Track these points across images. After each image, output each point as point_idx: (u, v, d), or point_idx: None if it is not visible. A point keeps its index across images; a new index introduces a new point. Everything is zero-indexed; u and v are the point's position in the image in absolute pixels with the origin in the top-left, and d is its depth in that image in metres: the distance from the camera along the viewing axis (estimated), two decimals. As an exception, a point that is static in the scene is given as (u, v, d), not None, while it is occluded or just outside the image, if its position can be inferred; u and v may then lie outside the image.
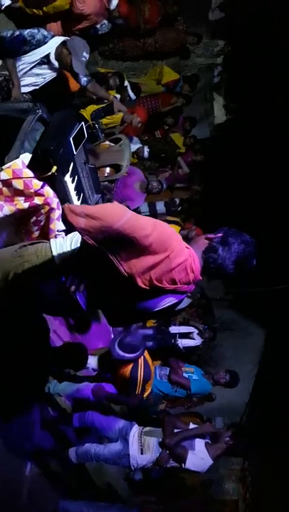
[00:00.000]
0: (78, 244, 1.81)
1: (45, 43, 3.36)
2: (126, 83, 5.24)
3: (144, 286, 1.63)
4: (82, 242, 1.67)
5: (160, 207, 5.50)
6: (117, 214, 1.53)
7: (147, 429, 3.55)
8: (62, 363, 3.25)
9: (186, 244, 1.70)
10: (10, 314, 2.11)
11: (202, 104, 7.30)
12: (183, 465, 3.30)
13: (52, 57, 3.41)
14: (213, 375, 4.09)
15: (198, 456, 3.29)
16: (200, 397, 4.80)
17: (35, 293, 1.88)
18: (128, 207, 4.79)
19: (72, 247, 1.84)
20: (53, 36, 3.38)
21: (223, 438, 3.40)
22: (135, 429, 3.49)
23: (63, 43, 3.36)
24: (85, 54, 3.41)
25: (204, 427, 3.50)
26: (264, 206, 6.60)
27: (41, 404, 3.24)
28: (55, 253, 1.84)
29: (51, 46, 3.38)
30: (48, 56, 3.41)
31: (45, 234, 2.46)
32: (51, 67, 3.50)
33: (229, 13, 6.49)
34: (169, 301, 1.76)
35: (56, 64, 3.44)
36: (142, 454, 3.35)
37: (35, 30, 3.31)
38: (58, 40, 3.38)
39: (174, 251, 1.60)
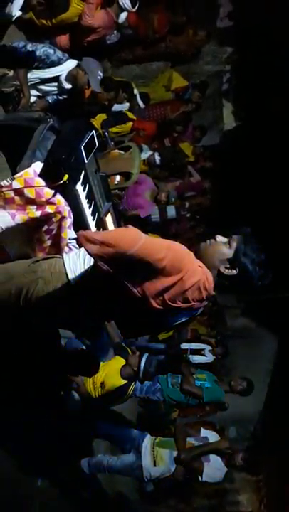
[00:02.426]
0: (91, 261, 1.81)
1: (60, 64, 3.41)
2: (135, 92, 5.28)
3: (157, 306, 1.63)
4: (95, 265, 1.68)
5: (171, 212, 5.48)
6: (130, 240, 1.54)
7: (159, 439, 3.51)
8: (74, 371, 3.22)
9: (199, 262, 1.68)
10: (22, 326, 2.09)
11: (211, 110, 7.29)
12: (199, 478, 3.26)
13: (62, 78, 3.47)
14: (230, 381, 3.99)
15: (214, 468, 3.26)
16: (212, 406, 4.74)
17: (48, 311, 1.87)
18: (138, 215, 4.84)
19: (86, 264, 1.84)
20: (68, 58, 3.44)
21: (238, 458, 3.36)
22: (147, 440, 3.46)
23: (77, 66, 3.42)
24: (99, 73, 3.49)
25: (220, 443, 3.43)
26: (275, 211, 6.55)
27: (53, 415, 3.22)
28: (69, 272, 1.83)
29: (64, 69, 3.44)
30: (58, 76, 3.47)
31: (57, 242, 2.46)
32: (59, 87, 3.56)
33: (237, 21, 6.51)
34: (183, 317, 1.76)
35: (66, 85, 3.50)
36: (154, 466, 3.32)
37: (51, 51, 3.35)
38: (73, 63, 3.44)
39: (188, 272, 1.59)
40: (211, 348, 5.34)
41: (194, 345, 5.29)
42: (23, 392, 2.71)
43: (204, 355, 5.21)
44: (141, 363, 3.40)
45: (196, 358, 5.10)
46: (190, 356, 5.05)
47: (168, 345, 5.11)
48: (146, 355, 3.46)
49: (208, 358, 5.24)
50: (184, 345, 5.21)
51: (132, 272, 1.58)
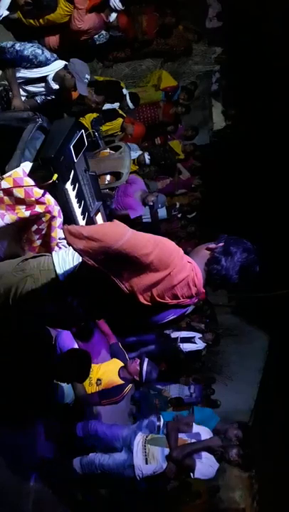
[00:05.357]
0: (80, 259, 1.80)
1: (47, 64, 3.40)
2: (125, 92, 5.28)
3: (146, 302, 1.62)
4: (83, 261, 1.67)
5: (162, 212, 5.50)
6: (116, 234, 1.52)
7: (151, 436, 3.51)
8: (65, 375, 3.18)
9: (188, 258, 1.67)
10: (11, 326, 2.09)
11: (201, 110, 7.33)
12: (192, 475, 3.27)
13: (50, 78, 3.46)
14: (224, 432, 3.54)
15: (206, 465, 3.25)
16: (204, 403, 4.74)
17: (38, 309, 1.87)
18: (128, 215, 4.85)
19: (75, 262, 1.84)
20: (56, 59, 3.44)
21: (232, 453, 3.36)
22: (139, 437, 3.46)
23: (65, 67, 3.42)
24: (86, 76, 3.49)
25: (212, 441, 3.39)
26: (264, 210, 6.61)
27: (45, 414, 3.21)
28: (58, 269, 1.83)
29: (53, 69, 3.44)
30: (46, 76, 3.46)
31: (47, 242, 2.46)
32: (47, 87, 3.56)
33: (226, 21, 6.56)
34: (172, 314, 1.76)
35: (53, 85, 3.50)
36: (146, 463, 3.32)
37: (39, 51, 3.34)
38: (60, 64, 3.43)
39: (176, 268, 1.58)
40: (201, 336, 5.33)
41: (184, 333, 5.27)
42: (14, 392, 2.70)
43: (194, 342, 5.21)
44: (143, 369, 3.39)
45: (187, 346, 5.09)
46: (180, 344, 5.02)
47: (158, 334, 5.09)
48: (147, 360, 3.43)
49: (199, 345, 5.23)
50: (174, 334, 5.20)
51: (119, 267, 1.57)
